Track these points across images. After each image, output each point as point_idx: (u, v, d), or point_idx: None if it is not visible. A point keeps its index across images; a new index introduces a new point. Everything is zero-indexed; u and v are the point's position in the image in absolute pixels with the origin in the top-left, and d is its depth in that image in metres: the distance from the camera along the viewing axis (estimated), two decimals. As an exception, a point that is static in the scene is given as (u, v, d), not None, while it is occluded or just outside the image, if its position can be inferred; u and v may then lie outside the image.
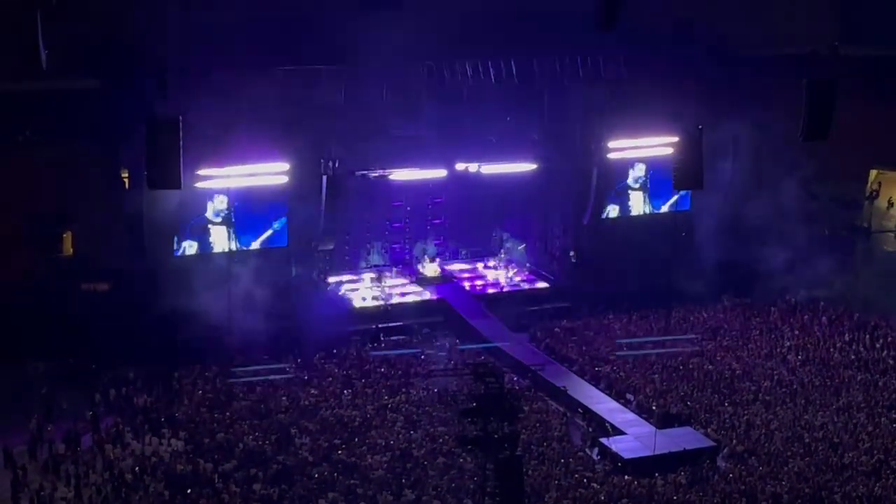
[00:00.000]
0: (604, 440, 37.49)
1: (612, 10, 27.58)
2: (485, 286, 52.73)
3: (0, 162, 43.70)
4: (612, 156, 50.93)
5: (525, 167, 50.92)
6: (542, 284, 52.94)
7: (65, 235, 46.46)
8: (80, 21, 37.01)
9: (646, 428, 38.29)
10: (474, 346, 45.80)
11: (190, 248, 45.76)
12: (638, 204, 53.06)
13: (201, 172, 43.06)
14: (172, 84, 32.86)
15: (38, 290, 43.88)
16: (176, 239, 45.40)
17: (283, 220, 46.81)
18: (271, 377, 41.74)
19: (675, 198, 52.62)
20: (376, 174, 48.21)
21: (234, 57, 42.60)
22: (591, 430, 38.86)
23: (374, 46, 42.59)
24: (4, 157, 43.89)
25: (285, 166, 45.46)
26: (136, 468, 35.08)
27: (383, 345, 46.21)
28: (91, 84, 42.85)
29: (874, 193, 56.65)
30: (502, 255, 54.51)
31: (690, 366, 43.44)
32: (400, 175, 48.88)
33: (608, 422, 38.85)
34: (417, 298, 50.81)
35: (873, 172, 56.48)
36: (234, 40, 42.37)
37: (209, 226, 45.89)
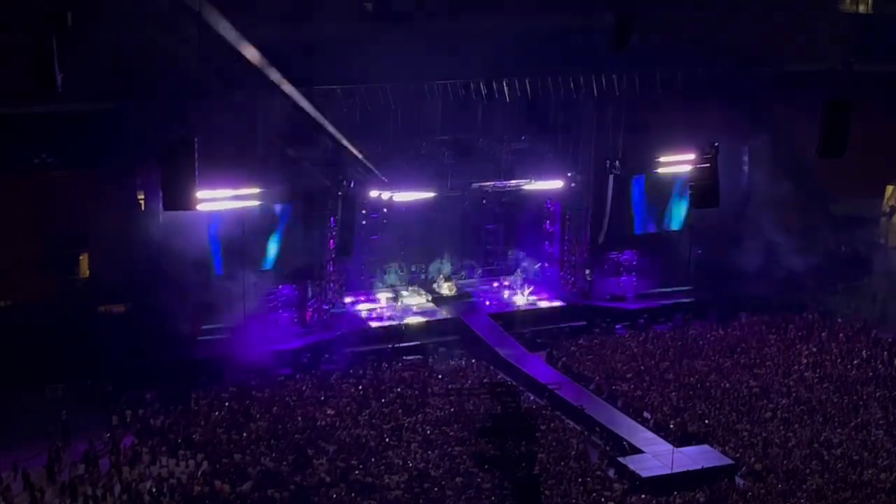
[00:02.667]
0: (621, 459, 37.42)
1: (625, 30, 27.74)
2: (501, 305, 52.64)
3: (16, 184, 43.80)
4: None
5: (540, 186, 51.05)
6: (557, 303, 52.80)
7: (81, 257, 46.51)
8: (95, 44, 37.10)
9: (663, 446, 38.17)
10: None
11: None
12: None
13: (215, 194, 43.11)
14: (187, 106, 32.86)
15: (55, 313, 43.94)
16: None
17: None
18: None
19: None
20: (387, 196, 48.44)
21: (248, 79, 42.67)
22: (608, 448, 38.78)
23: (386, 67, 42.68)
24: (20, 180, 43.99)
25: (298, 187, 45.62)
26: (154, 490, 35.07)
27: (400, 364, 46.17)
28: (106, 106, 42.94)
29: (891, 209, 56.54)
30: (518, 274, 54.44)
31: (708, 384, 43.31)
32: (415, 196, 48.96)
33: (625, 440, 38.79)
34: (433, 318, 50.73)
35: (889, 188, 56.39)
36: (248, 62, 42.41)
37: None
